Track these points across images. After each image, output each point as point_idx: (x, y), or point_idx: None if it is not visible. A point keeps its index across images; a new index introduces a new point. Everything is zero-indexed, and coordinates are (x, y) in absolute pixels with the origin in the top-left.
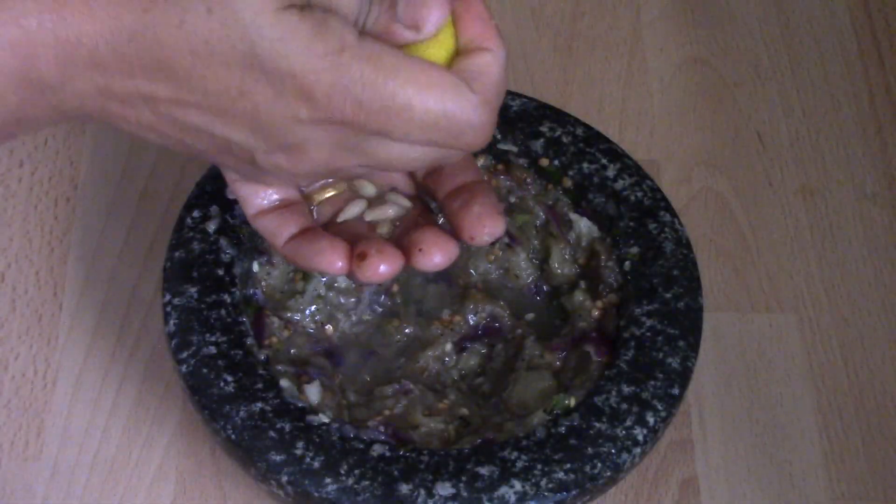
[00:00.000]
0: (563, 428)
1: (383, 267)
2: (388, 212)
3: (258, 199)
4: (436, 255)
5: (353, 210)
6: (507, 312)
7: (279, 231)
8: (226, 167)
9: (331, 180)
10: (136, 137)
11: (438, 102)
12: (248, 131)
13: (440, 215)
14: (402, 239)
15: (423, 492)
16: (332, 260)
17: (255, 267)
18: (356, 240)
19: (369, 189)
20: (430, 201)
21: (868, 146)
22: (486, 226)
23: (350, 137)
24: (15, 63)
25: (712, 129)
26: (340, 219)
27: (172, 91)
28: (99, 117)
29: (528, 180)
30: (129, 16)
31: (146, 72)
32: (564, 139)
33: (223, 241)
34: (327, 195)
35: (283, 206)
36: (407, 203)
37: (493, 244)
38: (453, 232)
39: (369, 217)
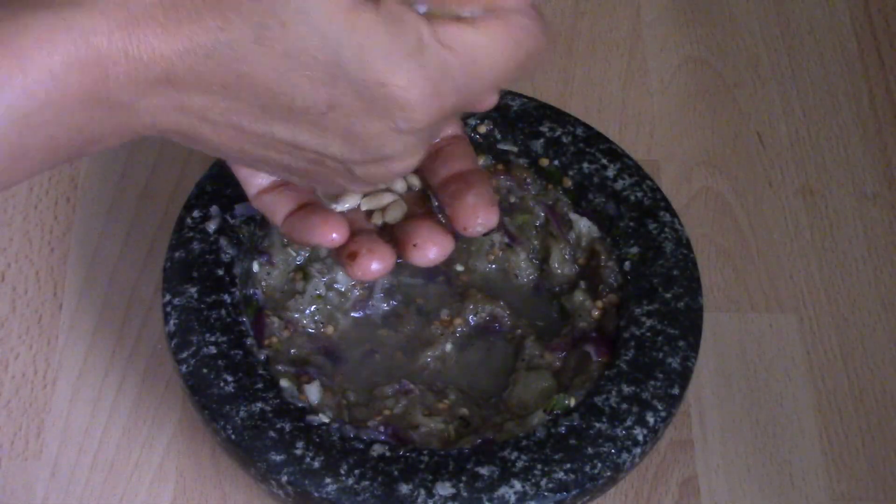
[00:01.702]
0: (563, 428)
1: (375, 265)
2: (383, 200)
3: (257, 178)
4: (430, 250)
5: (348, 202)
6: (507, 312)
7: (277, 209)
8: (315, 183)
9: None
10: (216, 154)
11: (519, 51)
12: (343, 143)
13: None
14: (396, 230)
15: (423, 492)
16: (324, 233)
17: (255, 267)
18: (351, 228)
19: None
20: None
21: (868, 146)
22: (479, 216)
23: (441, 124)
24: (85, 81)
25: (712, 129)
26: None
27: (257, 106)
28: (174, 134)
29: (528, 180)
30: (203, 35)
31: (227, 88)
32: (564, 139)
33: (223, 241)
34: None
35: (281, 184)
36: (403, 185)
37: (493, 244)
38: (448, 222)
39: (365, 206)
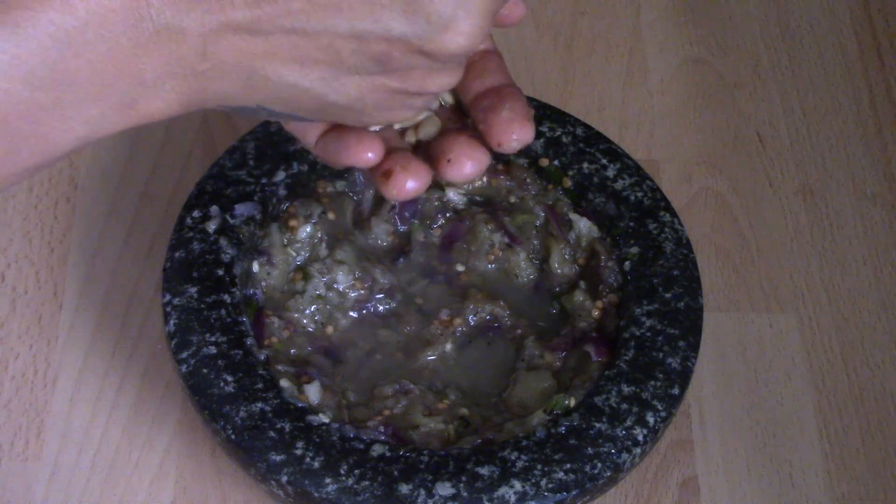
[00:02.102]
0: (563, 428)
1: (410, 183)
2: (417, 117)
3: None
4: (466, 164)
5: None
6: (507, 312)
7: (309, 129)
8: (391, 103)
9: None
10: (271, 102)
11: None
12: (404, 16)
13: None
14: (431, 147)
15: (423, 492)
16: (359, 152)
17: (255, 267)
18: (385, 147)
19: None
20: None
21: (868, 146)
22: (514, 131)
23: None
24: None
25: (712, 129)
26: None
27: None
28: (229, 65)
29: (528, 180)
30: None
31: None
32: (564, 139)
33: (223, 241)
34: None
35: None
36: (436, 101)
37: (493, 244)
38: (482, 138)
39: (398, 125)
